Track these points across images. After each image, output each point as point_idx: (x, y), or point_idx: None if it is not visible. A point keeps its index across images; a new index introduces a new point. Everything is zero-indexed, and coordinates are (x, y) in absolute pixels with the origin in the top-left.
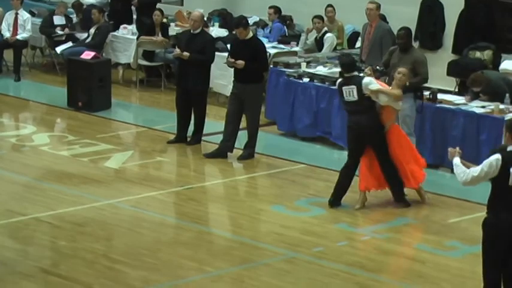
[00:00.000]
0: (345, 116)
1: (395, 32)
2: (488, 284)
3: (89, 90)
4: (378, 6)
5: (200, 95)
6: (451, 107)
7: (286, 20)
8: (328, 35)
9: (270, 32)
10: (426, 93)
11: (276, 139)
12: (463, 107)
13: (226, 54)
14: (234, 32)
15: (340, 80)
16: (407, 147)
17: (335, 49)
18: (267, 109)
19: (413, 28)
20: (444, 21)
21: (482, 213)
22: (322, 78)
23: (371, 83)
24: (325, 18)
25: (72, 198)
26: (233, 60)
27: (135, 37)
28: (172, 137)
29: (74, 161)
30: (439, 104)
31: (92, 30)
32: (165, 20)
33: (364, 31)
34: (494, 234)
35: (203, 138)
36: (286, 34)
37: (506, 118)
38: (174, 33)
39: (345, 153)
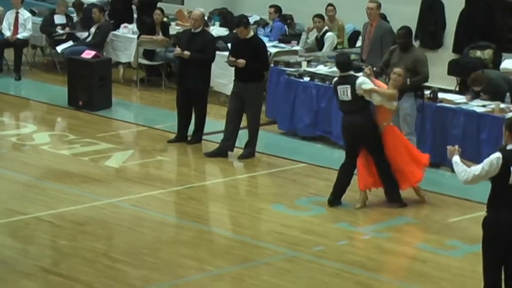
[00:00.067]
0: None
1: (395, 31)
2: (489, 283)
3: (90, 89)
4: (379, 6)
5: (201, 94)
6: (452, 106)
7: (287, 19)
8: (329, 34)
9: (270, 31)
10: (427, 92)
11: (277, 138)
12: (464, 106)
13: (226, 53)
14: (234, 31)
15: (335, 78)
16: (403, 147)
17: (335, 48)
18: (267, 108)
19: (413, 27)
20: (445, 21)
21: (483, 213)
22: (323, 78)
23: (364, 82)
24: (326, 17)
25: (73, 197)
26: (234, 59)
27: (135, 36)
28: (172, 136)
29: (74, 160)
30: (439, 103)
31: (93, 29)
32: (165, 19)
33: (365, 30)
34: (494, 233)
35: (204, 137)
36: (287, 33)
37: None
38: (175, 33)
39: None
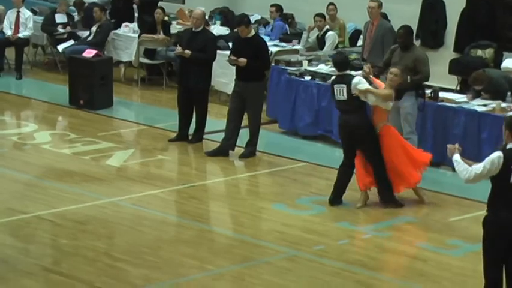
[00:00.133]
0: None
1: (396, 30)
2: (490, 282)
3: (91, 88)
4: (380, 5)
5: (202, 93)
6: (453, 105)
7: (288, 18)
8: (330, 33)
9: (271, 30)
10: (428, 91)
11: (278, 137)
12: (465, 106)
13: (227, 52)
14: (235, 30)
15: (333, 77)
16: (400, 147)
17: (337, 47)
18: (268, 107)
19: (414, 26)
20: (446, 20)
21: (484, 212)
22: (324, 77)
23: (360, 82)
24: (327, 17)
25: (74, 196)
26: (235, 58)
27: (136, 35)
28: (173, 135)
29: (75, 159)
30: (440, 103)
31: (94, 29)
32: (166, 18)
33: (366, 29)
34: (494, 232)
35: (205, 136)
36: (288, 32)
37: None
38: (176, 32)
39: None
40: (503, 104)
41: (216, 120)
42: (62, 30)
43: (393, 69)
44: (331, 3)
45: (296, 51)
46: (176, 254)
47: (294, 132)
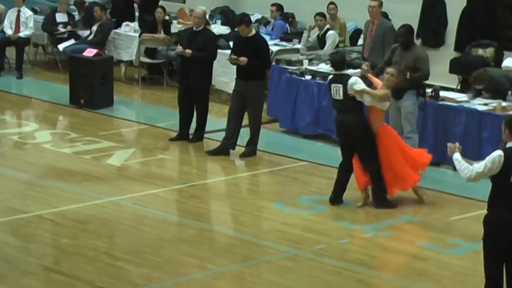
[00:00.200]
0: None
1: (397, 30)
2: (490, 281)
3: (91, 87)
4: (380, 4)
5: (202, 93)
6: (453, 104)
7: (289, 18)
8: (330, 32)
9: (272, 29)
10: (428, 90)
11: (278, 136)
12: (465, 105)
13: (228, 51)
14: (236, 30)
15: (330, 76)
16: (397, 148)
17: (337, 46)
18: (269, 106)
19: (415, 25)
20: (446, 19)
21: (484, 211)
22: (324, 76)
23: (356, 83)
24: (327, 16)
25: (74, 195)
26: (236, 57)
27: (137, 34)
28: (174, 134)
29: (76, 158)
30: (441, 102)
31: (94, 28)
32: (167, 18)
33: (366, 28)
34: (494, 231)
35: (205, 135)
36: (288, 31)
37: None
38: (176, 31)
39: None
40: (504, 103)
41: (217, 120)
42: (62, 30)
43: (389, 69)
44: (332, 3)
45: (297, 51)
46: (177, 253)
47: (295, 131)
